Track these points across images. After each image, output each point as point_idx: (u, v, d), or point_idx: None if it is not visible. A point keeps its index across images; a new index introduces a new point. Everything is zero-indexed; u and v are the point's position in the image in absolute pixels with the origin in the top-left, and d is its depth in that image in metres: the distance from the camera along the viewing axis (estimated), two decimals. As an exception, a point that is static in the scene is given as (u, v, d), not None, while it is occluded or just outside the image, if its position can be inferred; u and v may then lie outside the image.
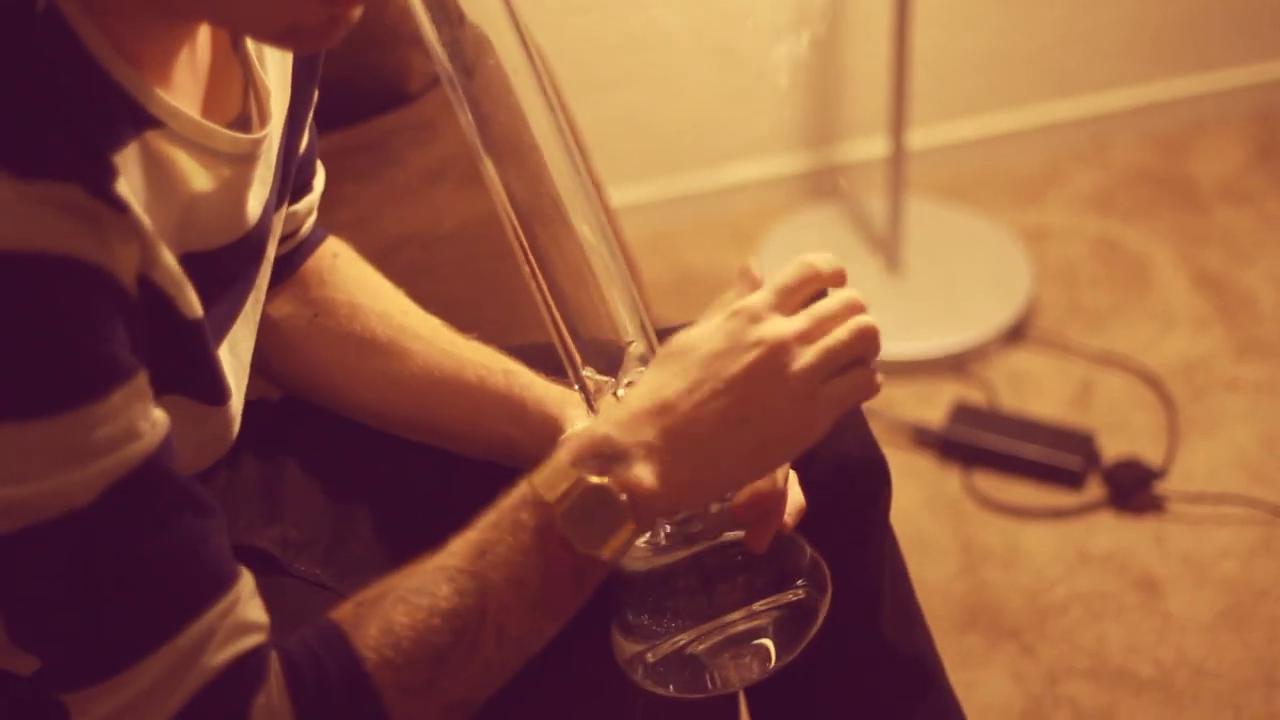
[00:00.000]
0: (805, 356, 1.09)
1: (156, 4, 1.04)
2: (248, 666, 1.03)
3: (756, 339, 1.09)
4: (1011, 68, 3.00)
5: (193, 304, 1.10)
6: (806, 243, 2.84)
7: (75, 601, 0.99)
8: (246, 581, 1.06)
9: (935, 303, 2.71)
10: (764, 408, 1.09)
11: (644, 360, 1.18)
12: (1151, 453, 2.41)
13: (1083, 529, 2.32)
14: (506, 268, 1.86)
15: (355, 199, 1.99)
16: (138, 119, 1.05)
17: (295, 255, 1.42)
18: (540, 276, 1.17)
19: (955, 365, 2.61)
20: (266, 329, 1.39)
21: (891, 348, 2.59)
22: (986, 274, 2.76)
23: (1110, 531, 2.32)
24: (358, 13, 1.04)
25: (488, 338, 1.41)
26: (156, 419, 1.02)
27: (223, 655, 1.02)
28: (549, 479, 1.08)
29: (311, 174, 1.41)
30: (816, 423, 1.10)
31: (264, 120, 1.20)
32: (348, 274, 1.43)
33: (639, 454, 1.08)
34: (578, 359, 1.20)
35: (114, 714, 1.01)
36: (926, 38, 2.78)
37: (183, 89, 1.11)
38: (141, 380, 1.01)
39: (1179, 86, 3.11)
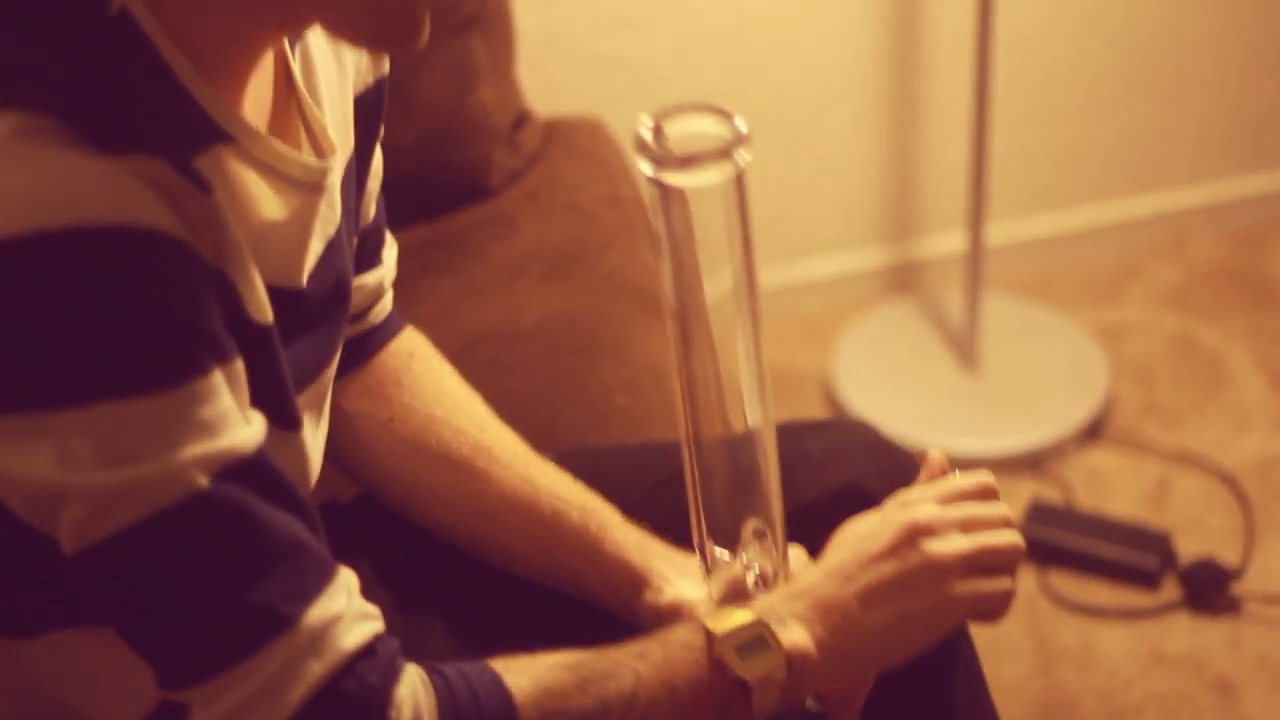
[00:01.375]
0: (956, 542, 1.17)
1: (235, 9, 1.04)
2: (384, 653, 1.04)
3: (900, 520, 1.18)
4: (1089, 163, 3.01)
5: (264, 308, 1.07)
6: (883, 340, 2.85)
7: (200, 590, 0.98)
8: (353, 576, 1.07)
9: (1012, 400, 2.71)
10: (903, 584, 1.16)
11: (759, 535, 1.22)
12: (1228, 553, 2.40)
13: (1158, 629, 2.31)
14: (585, 365, 1.88)
15: (435, 293, 2.00)
16: (211, 131, 1.05)
17: (370, 340, 1.42)
18: (694, 451, 1.19)
19: (1032, 463, 2.60)
20: (341, 422, 1.39)
21: (968, 445, 2.59)
22: (1064, 371, 2.75)
23: (1186, 632, 2.30)
24: None
25: (565, 436, 1.41)
26: (256, 417, 1.02)
27: (353, 638, 1.03)
28: (718, 616, 1.15)
29: (380, 244, 1.40)
30: (956, 607, 1.17)
31: (323, 155, 1.18)
32: (424, 380, 1.42)
33: (793, 621, 1.15)
34: (704, 529, 1.22)
35: (245, 703, 1.00)
36: (1005, 132, 2.79)
37: (252, 112, 1.11)
38: (239, 367, 1.01)
39: (1257, 183, 3.11)
